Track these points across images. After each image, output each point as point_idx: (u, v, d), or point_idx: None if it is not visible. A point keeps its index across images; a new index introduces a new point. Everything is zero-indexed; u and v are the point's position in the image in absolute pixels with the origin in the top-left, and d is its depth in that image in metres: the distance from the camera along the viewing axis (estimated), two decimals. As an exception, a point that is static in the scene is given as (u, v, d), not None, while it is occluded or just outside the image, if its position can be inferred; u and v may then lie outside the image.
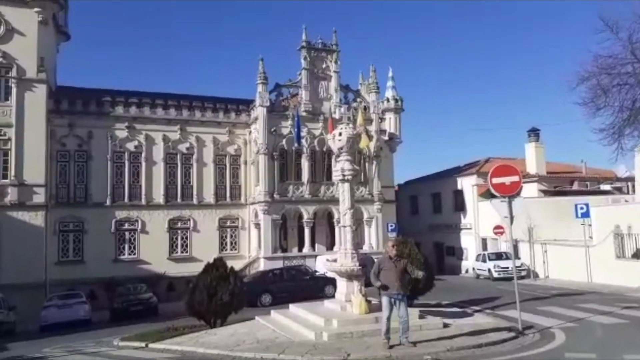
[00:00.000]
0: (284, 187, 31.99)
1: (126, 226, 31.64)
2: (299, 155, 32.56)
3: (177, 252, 32.27)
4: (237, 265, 25.45)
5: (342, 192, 12.93)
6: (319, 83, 33.70)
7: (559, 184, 34.88)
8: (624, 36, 15.84)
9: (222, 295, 13.22)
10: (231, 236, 33.92)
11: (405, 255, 14.38)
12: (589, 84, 16.97)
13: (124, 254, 31.33)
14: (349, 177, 12.64)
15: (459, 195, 37.92)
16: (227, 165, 34.36)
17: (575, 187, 34.61)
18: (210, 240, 32.59)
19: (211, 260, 14.46)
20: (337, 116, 30.97)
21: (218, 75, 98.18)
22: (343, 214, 12.87)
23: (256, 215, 32.49)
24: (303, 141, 31.84)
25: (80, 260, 30.15)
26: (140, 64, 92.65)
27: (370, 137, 31.42)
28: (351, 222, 12.62)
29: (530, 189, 32.59)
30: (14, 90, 29.15)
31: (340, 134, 12.82)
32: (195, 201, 33.05)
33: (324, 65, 33.84)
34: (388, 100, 37.39)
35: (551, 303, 15.94)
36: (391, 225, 32.89)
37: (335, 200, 24.79)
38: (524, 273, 27.55)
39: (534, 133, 36.07)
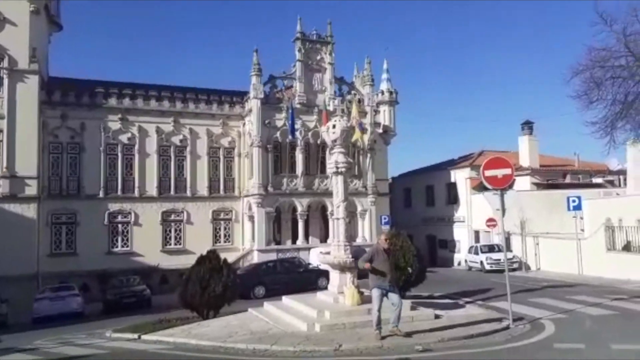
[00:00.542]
0: (278, 179, 31.96)
1: (119, 218, 31.55)
2: (293, 148, 32.52)
3: (170, 245, 32.24)
4: (230, 257, 25.41)
5: (336, 184, 12.92)
6: (314, 75, 33.60)
7: (551, 177, 35.06)
8: (618, 29, 15.83)
9: (215, 287, 13.23)
10: (225, 229, 33.91)
11: (397, 248, 14.50)
12: (582, 76, 16.97)
13: (117, 247, 31.27)
14: (343, 170, 12.64)
15: (452, 188, 38.05)
16: (221, 157, 34.27)
17: (568, 180, 34.78)
18: (204, 233, 32.57)
19: (204, 253, 14.46)
20: (331, 108, 30.91)
21: (212, 66, 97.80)
22: (336, 206, 12.87)
23: (250, 208, 32.47)
24: (297, 133, 31.79)
25: (72, 253, 30.06)
26: (134, 55, 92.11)
27: (364, 130, 31.40)
28: (344, 214, 12.63)
29: (523, 182, 32.75)
30: (5, 81, 28.92)
31: (334, 126, 12.78)
32: (188, 193, 32.98)
33: (318, 57, 33.73)
34: (383, 92, 37.37)
35: (542, 295, 16.07)
36: (385, 218, 32.99)
37: (329, 193, 24.84)
38: (516, 265, 27.79)
39: (528, 126, 36.19)
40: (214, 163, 34.06)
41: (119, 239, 31.39)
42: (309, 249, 29.97)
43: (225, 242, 33.50)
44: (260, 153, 31.27)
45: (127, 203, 31.62)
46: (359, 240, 31.49)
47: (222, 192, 34.02)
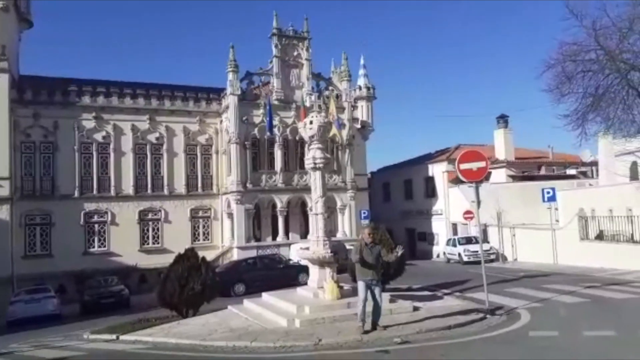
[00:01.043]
0: (257, 176, 31.84)
1: (95, 218, 31.07)
2: (271, 144, 32.42)
3: (148, 244, 31.88)
4: (210, 255, 25.38)
5: (314, 180, 12.94)
6: (291, 71, 33.51)
7: (527, 169, 35.65)
8: (588, 23, 16.21)
9: (194, 285, 13.15)
10: (204, 226, 33.67)
11: (378, 242, 14.60)
12: (554, 71, 17.36)
13: (93, 247, 30.80)
14: (321, 165, 12.66)
15: (430, 181, 38.45)
16: (199, 155, 33.97)
17: (543, 172, 35.41)
18: (182, 231, 32.25)
19: (182, 251, 14.36)
20: (308, 104, 30.91)
21: (188, 63, 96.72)
22: (315, 201, 12.90)
23: (229, 205, 32.29)
24: (275, 130, 31.67)
25: (48, 254, 29.51)
26: (108, 52, 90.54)
27: (342, 126, 31.49)
28: (323, 209, 12.67)
29: (499, 175, 33.27)
30: (-27, 80, 28.12)
31: (311, 122, 12.78)
32: (166, 192, 32.63)
33: (295, 53, 33.65)
34: (360, 88, 37.49)
35: (518, 285, 16.37)
36: (364, 213, 33.15)
37: (308, 189, 24.63)
38: (493, 256, 28.24)
39: (503, 120, 36.69)
40: (191, 161, 33.74)
41: (96, 239, 30.92)
42: (289, 245, 29.95)
43: (204, 240, 33.27)
44: (238, 150, 31.08)
45: (103, 202, 31.14)
46: (339, 235, 31.64)
47: (200, 189, 33.74)
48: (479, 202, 11.68)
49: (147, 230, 32.10)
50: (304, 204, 32.55)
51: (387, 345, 8.78)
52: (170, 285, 13.27)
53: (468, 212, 28.10)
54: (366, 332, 9.49)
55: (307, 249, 12.91)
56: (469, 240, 30.42)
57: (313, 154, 12.66)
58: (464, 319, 10.53)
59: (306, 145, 24.77)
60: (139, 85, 33.72)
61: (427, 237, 38.59)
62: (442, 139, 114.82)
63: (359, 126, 36.28)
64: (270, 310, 12.01)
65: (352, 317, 9.99)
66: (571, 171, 35.67)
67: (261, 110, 31.83)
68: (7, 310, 20.46)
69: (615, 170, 22.89)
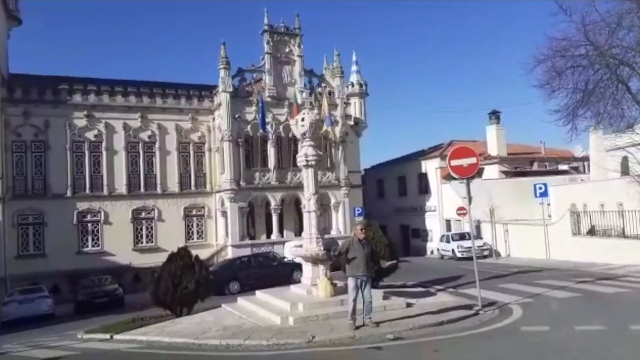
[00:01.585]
0: (250, 174, 31.81)
1: (88, 217, 30.95)
2: (264, 142, 32.37)
3: (142, 243, 31.80)
4: (204, 254, 25.40)
5: (306, 177, 12.97)
6: (283, 68, 33.46)
7: (519, 165, 35.83)
8: (577, 19, 16.28)
9: (187, 284, 13.15)
10: (197, 225, 33.61)
11: (370, 239, 14.65)
12: (544, 66, 17.41)
13: (87, 246, 30.70)
14: (313, 163, 12.69)
15: (423, 178, 38.56)
16: (191, 153, 33.87)
17: (535, 167, 35.61)
18: (176, 230, 32.19)
19: (176, 250, 14.34)
20: (300, 101, 30.84)
21: (179, 61, 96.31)
22: (308, 199, 12.93)
23: (222, 204, 32.24)
24: (268, 127, 31.60)
25: (41, 254, 29.39)
26: (99, 50, 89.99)
27: (334, 123, 31.48)
28: (316, 207, 12.70)
29: (491, 171, 33.44)
30: (-38, 79, 27.92)
31: (303, 119, 12.79)
32: (159, 190, 32.53)
33: (287, 50, 33.59)
34: (353, 84, 37.43)
35: (511, 280, 16.47)
36: (358, 210, 33.19)
37: (302, 187, 24.53)
38: (486, 252, 28.42)
39: (495, 115, 36.84)
40: (184, 159, 33.65)
41: (89, 238, 30.81)
42: (283, 242, 29.79)
43: (198, 238, 33.23)
44: (231, 147, 31.02)
45: (96, 202, 31.02)
46: (333, 233, 31.68)
47: (193, 188, 33.66)
48: (470, 198, 11.75)
49: (141, 229, 32.00)
50: (297, 202, 32.48)
51: (379, 342, 8.83)
52: (163, 284, 13.27)
53: (461, 208, 28.11)
54: (357, 328, 9.54)
55: (301, 246, 12.95)
56: (462, 237, 30.54)
57: (305, 152, 12.68)
58: (456, 315, 10.61)
59: (299, 143, 24.84)
60: (130, 83, 33.55)
61: (421, 234, 38.72)
62: (435, 136, 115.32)
63: (352, 123, 36.27)
64: (263, 308, 12.05)
65: (345, 314, 10.02)
66: (563, 167, 35.87)
67: (254, 108, 31.78)
68: (0, 310, 20.37)
69: (606, 166, 23.03)
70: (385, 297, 11.83)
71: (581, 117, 17.33)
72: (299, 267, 19.27)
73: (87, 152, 31.13)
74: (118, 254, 30.55)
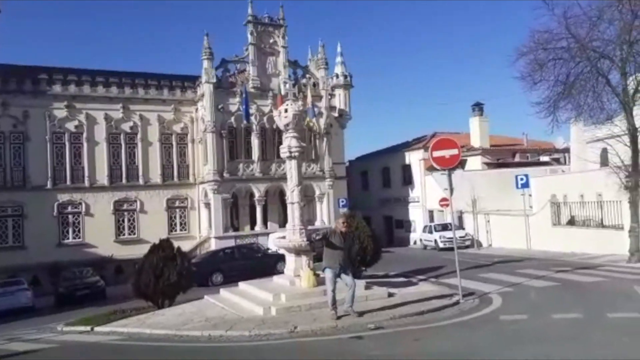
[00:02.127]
0: (234, 165, 31.65)
1: (69, 209, 30.57)
2: (248, 133, 32.20)
3: (124, 235, 31.53)
4: (187, 245, 25.26)
5: (290, 169, 12.93)
6: (267, 59, 33.24)
7: (501, 156, 36.15)
8: (559, 12, 16.47)
9: (169, 275, 13.06)
10: (180, 217, 33.40)
11: (353, 229, 14.72)
12: (526, 58, 17.61)
13: (68, 238, 30.36)
14: (296, 154, 12.63)
15: (407, 169, 38.75)
16: (174, 144, 33.58)
17: (517, 159, 35.97)
18: (159, 222, 31.96)
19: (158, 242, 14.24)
20: (284, 92, 30.70)
21: (162, 51, 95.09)
22: (291, 190, 12.90)
23: (206, 195, 32.06)
24: (252, 118, 31.44)
25: (20, 246, 29.02)
26: (80, 40, 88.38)
27: (319, 115, 31.42)
28: (299, 198, 12.67)
29: (474, 162, 33.70)
30: (-63, 68, 27.25)
31: (286, 111, 12.71)
32: (141, 182, 32.23)
33: (271, 41, 33.36)
34: (337, 76, 37.36)
35: (492, 270, 16.69)
36: (342, 201, 33.27)
37: (286, 178, 24.74)
38: (468, 243, 28.71)
39: (478, 107, 37.09)
40: (166, 150, 33.36)
41: (70, 230, 30.46)
42: (267, 234, 29.89)
43: (181, 230, 33.04)
44: (214, 139, 30.80)
45: (77, 193, 30.64)
46: (317, 224, 31.70)
47: (176, 179, 33.41)
48: (452, 189, 11.83)
49: (123, 220, 31.71)
50: (282, 193, 32.39)
51: (361, 331, 8.88)
52: (145, 276, 13.16)
53: (444, 199, 28.28)
54: (339, 317, 9.58)
55: (284, 237, 12.94)
56: (444, 227, 30.77)
57: (289, 143, 12.62)
58: (437, 304, 10.71)
59: (283, 134, 24.74)
60: (111, 73, 33.11)
61: (405, 225, 38.96)
62: (419, 127, 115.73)
63: (336, 114, 36.24)
64: (246, 299, 12.02)
65: (327, 305, 10.05)
66: (544, 158, 36.29)
67: (237, 99, 31.57)
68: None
69: (586, 157, 23.36)
70: (367, 287, 11.88)
71: (562, 109, 17.59)
72: (283, 258, 19.21)
73: (67, 143, 30.69)
74: (100, 245, 30.27)
